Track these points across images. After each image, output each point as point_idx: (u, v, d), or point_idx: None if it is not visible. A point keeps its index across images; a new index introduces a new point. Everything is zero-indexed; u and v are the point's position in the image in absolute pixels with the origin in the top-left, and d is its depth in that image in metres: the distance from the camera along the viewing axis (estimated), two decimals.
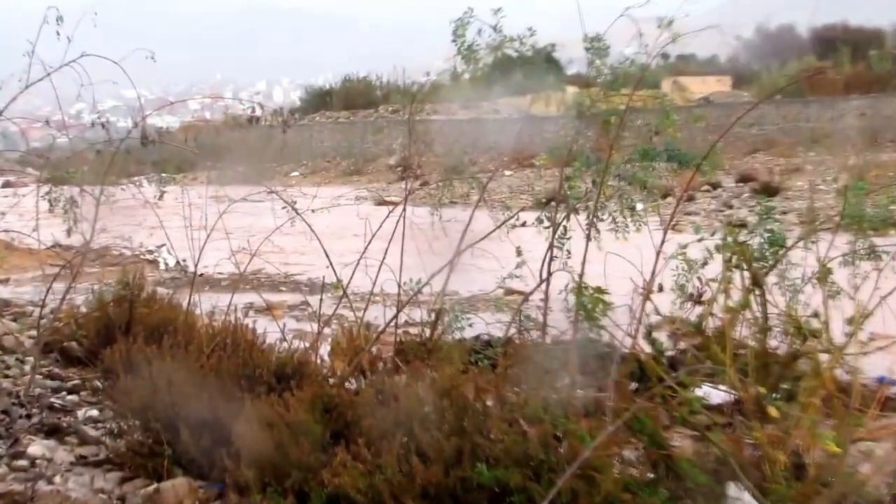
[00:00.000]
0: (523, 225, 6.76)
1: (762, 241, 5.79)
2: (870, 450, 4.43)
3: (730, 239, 5.57)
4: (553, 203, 6.26)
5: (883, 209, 5.41)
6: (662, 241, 5.67)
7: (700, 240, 5.66)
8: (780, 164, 31.96)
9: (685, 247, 5.67)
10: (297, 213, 7.29)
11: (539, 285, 6.05)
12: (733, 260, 5.60)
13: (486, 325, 7.59)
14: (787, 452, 3.92)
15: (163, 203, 8.08)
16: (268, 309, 9.54)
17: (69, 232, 7.76)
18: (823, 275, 5.07)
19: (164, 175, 8.32)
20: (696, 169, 5.94)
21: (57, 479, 5.42)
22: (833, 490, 3.76)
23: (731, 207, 23.88)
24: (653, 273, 5.53)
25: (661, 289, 6.10)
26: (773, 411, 3.87)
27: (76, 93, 6.41)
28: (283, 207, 7.34)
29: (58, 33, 5.85)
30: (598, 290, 4.72)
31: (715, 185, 26.51)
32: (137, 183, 8.60)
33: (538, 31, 6.45)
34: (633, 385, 5.41)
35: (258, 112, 8.66)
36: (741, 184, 28.01)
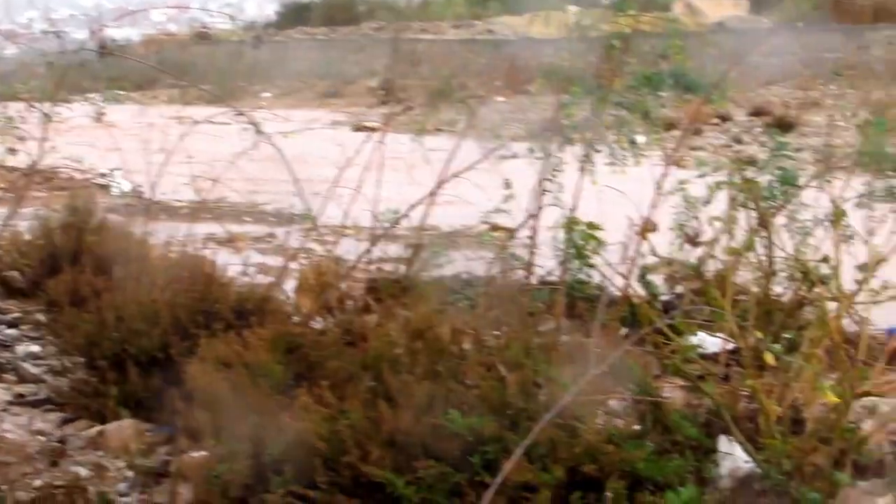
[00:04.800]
0: (514, 156, 6.74)
1: (772, 178, 5.76)
2: (874, 405, 4.46)
3: (737, 175, 5.53)
4: (547, 133, 6.23)
5: None
6: (663, 177, 5.67)
7: (702, 176, 5.64)
8: (797, 98, 31.82)
9: (685, 183, 5.65)
10: (263, 136, 7.23)
11: (526, 221, 6.05)
12: (739, 198, 5.57)
13: (468, 262, 7.60)
14: (784, 405, 3.95)
15: (120, 122, 7.98)
16: (230, 240, 9.54)
17: (12, 151, 7.68)
18: (837, 217, 5.05)
19: (118, 92, 8.19)
20: (704, 99, 5.91)
21: None
22: (832, 446, 3.80)
23: (740, 143, 23.86)
24: (649, 210, 5.52)
25: (654, 228, 6.09)
26: (769, 358, 3.89)
27: None
28: (248, 129, 7.26)
29: None
30: (591, 225, 4.71)
31: (724, 119, 26.42)
32: (92, 100, 8.48)
33: None
34: (625, 331, 5.44)
35: (208, 28, 8.52)
36: (753, 118, 27.88)
